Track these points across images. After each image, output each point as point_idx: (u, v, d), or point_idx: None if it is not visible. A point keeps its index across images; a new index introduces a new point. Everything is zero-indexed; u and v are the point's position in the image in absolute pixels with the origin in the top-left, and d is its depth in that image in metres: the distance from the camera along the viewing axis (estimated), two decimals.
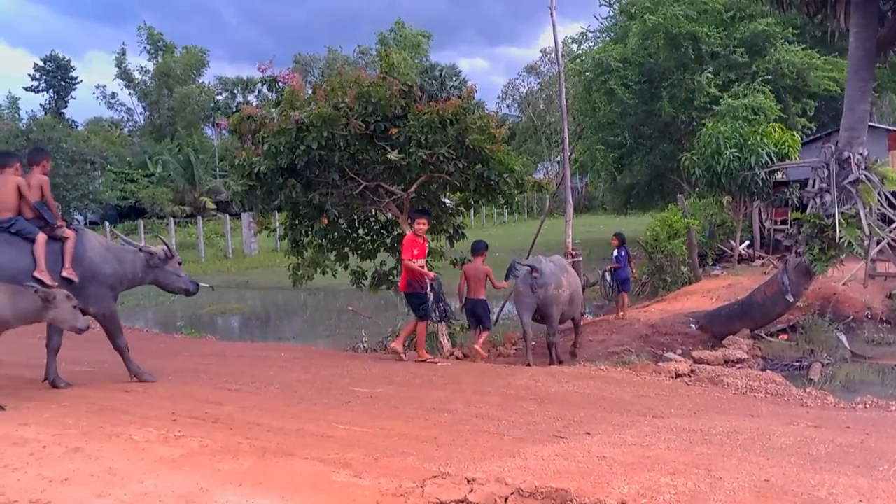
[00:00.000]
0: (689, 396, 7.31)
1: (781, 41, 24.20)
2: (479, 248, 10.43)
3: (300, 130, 10.51)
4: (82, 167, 41.24)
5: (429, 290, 9.49)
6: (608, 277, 14.34)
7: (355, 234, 12.59)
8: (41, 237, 6.79)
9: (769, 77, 23.18)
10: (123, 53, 56.30)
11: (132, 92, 58.25)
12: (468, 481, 4.05)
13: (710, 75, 23.20)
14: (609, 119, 26.74)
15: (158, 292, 24.40)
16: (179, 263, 8.09)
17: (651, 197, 28.25)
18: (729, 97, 22.18)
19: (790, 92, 24.14)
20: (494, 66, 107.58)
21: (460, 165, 10.92)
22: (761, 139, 17.10)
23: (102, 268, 7.23)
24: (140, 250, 7.73)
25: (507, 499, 3.85)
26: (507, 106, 64.15)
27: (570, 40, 39.30)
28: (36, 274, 6.61)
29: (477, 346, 10.25)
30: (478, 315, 10.33)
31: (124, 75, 56.84)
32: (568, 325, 11.86)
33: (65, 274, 6.86)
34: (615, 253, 14.08)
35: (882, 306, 14.58)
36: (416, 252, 9.51)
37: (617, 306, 14.25)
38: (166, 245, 7.93)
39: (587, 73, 27.46)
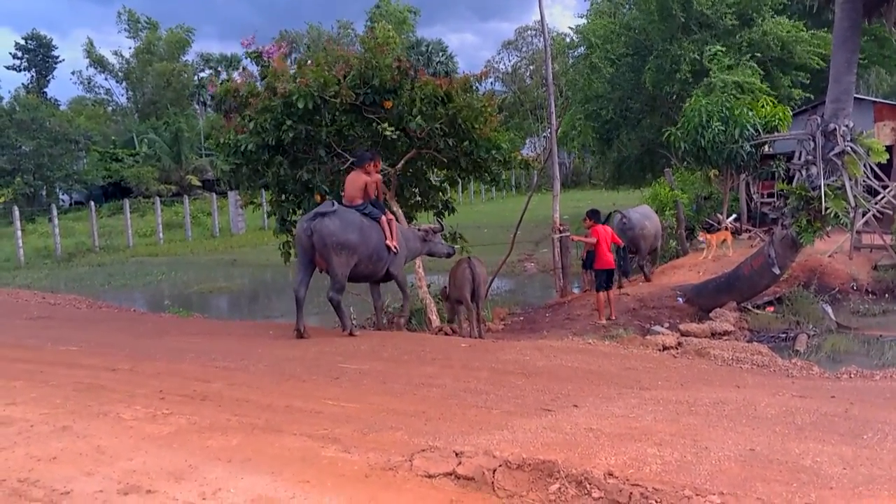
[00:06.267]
0: (675, 368, 7.35)
1: (770, 13, 24.05)
2: (598, 217, 12.95)
3: (287, 104, 10.40)
4: (66, 147, 40.79)
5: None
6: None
7: None
8: (383, 218, 9.56)
9: (755, 51, 23.08)
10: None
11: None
12: (456, 454, 4.06)
13: (696, 45, 23.13)
14: (597, 93, 26.61)
15: (145, 272, 24.16)
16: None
17: (642, 172, 28.14)
18: (718, 70, 22.00)
19: (777, 64, 24.04)
20: (484, 41, 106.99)
21: (450, 143, 10.88)
22: (747, 111, 17.06)
23: (407, 244, 10.05)
24: (419, 229, 10.78)
25: (494, 471, 3.86)
26: (492, 82, 63.95)
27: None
28: (388, 242, 9.49)
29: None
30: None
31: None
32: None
33: (393, 244, 9.62)
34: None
35: (867, 278, 14.70)
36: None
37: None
38: (441, 224, 11.16)
39: (574, 50, 27.37)
